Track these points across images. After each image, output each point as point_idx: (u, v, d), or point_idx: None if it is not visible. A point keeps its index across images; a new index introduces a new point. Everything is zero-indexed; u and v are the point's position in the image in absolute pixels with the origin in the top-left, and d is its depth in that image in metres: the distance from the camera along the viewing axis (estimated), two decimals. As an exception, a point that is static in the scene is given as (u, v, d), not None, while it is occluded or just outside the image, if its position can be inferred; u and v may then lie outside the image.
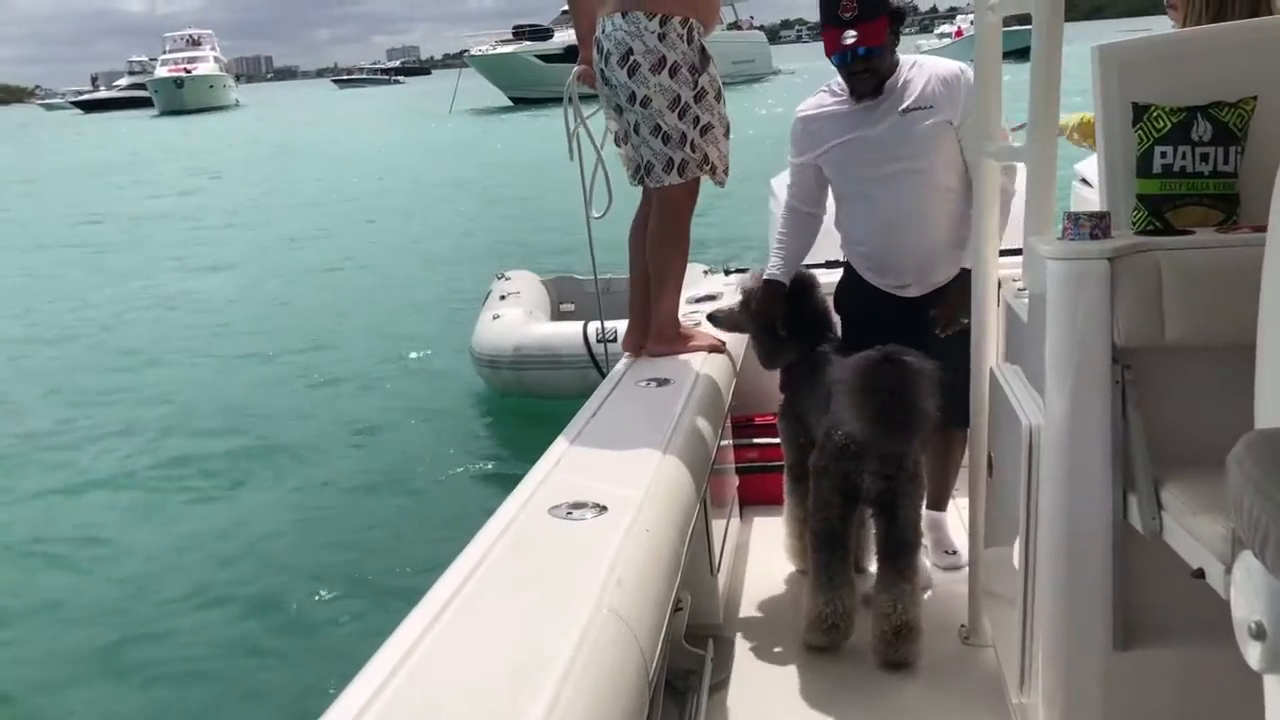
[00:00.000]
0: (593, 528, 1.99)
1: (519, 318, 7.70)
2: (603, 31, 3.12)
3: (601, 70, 3.16)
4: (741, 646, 3.11)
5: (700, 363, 3.24)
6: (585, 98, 3.36)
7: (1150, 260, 2.07)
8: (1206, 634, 1.98)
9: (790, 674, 2.88)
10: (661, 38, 3.01)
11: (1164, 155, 2.24)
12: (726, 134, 3.21)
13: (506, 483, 7.02)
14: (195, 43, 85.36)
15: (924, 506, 3.05)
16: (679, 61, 3.04)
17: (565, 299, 8.56)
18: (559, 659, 1.48)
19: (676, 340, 3.34)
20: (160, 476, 7.27)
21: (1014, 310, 2.58)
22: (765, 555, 3.69)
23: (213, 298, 13.35)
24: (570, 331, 7.36)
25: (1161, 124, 2.23)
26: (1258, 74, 2.24)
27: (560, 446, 2.50)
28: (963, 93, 3.06)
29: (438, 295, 12.27)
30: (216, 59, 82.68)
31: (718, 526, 3.28)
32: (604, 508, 2.06)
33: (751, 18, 60.72)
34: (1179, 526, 1.92)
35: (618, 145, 3.33)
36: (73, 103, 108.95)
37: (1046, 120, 2.40)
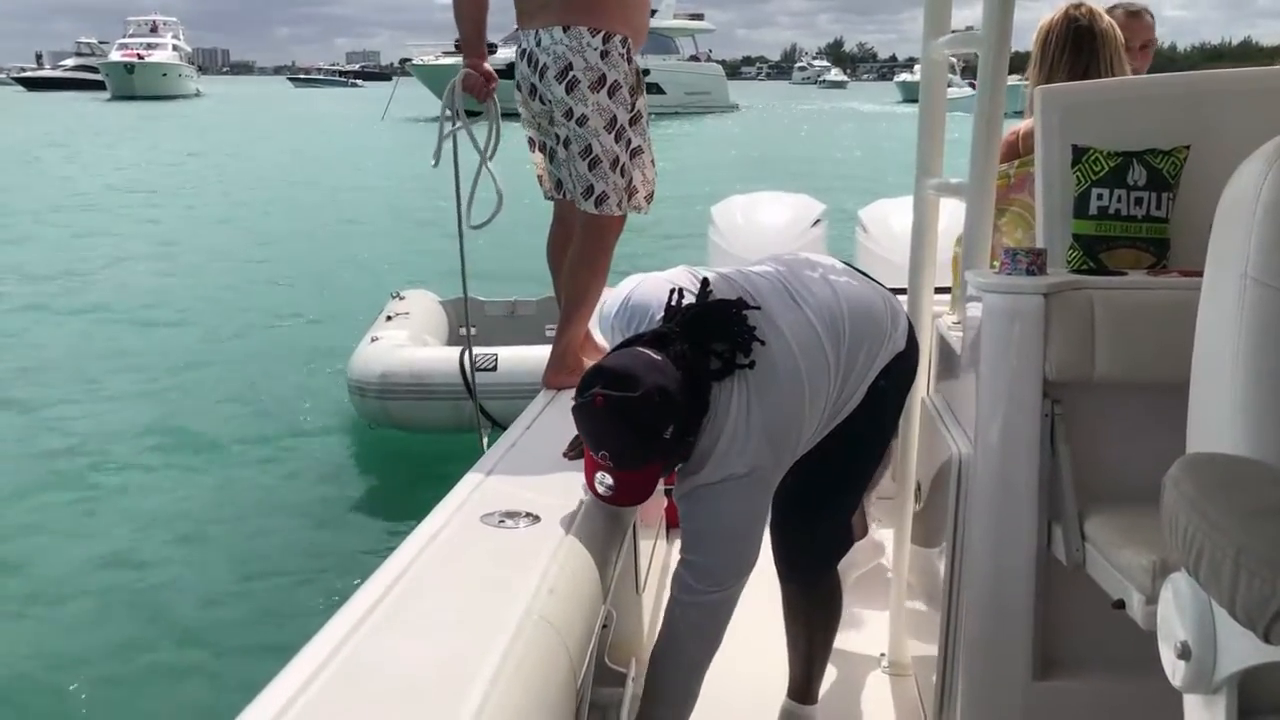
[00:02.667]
0: (525, 536, 1.97)
1: (397, 341, 7.00)
2: (537, 44, 3.00)
3: (532, 84, 3.05)
4: None
5: None
6: (471, 113, 3.22)
7: (1084, 298, 2.12)
8: (1123, 665, 2.02)
9: (711, 699, 2.87)
10: (604, 55, 2.94)
11: (1100, 197, 2.30)
12: (651, 160, 3.15)
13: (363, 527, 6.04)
14: (155, 29, 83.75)
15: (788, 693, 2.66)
16: (619, 81, 2.97)
17: (467, 322, 8.02)
18: (488, 664, 1.46)
19: (576, 371, 3.11)
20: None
21: (947, 342, 2.62)
22: None
23: (89, 297, 12.32)
24: (444, 357, 6.67)
25: (1099, 167, 2.30)
26: (1192, 124, 2.31)
27: (494, 456, 2.48)
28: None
29: (337, 310, 11.27)
30: (176, 47, 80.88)
31: (645, 547, 3.27)
32: (537, 517, 2.04)
33: (710, 51, 61.20)
34: (1101, 558, 1.96)
35: (540, 161, 3.24)
36: (15, 79, 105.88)
37: (987, 157, 2.45)
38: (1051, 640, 2.21)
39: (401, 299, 7.80)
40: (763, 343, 2.08)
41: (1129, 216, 2.29)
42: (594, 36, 2.93)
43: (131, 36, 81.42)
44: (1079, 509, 2.07)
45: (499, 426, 6.08)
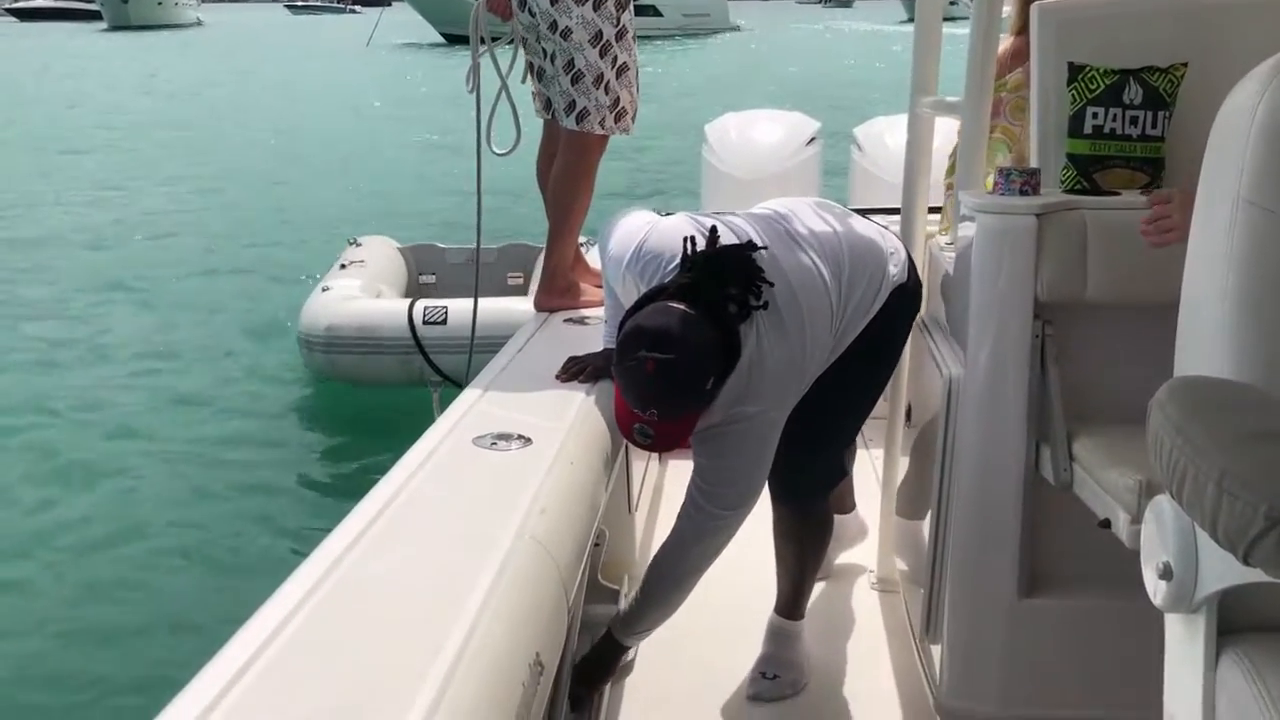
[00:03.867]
0: (517, 458, 1.98)
1: (348, 291, 6.70)
2: None
3: None
4: None
5: None
6: (494, 37, 3.17)
7: (1077, 219, 2.11)
8: (1108, 584, 2.05)
9: (701, 615, 2.92)
10: None
11: (1095, 116, 2.27)
12: (636, 79, 3.10)
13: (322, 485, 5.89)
14: None
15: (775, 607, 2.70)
16: None
17: (425, 270, 7.59)
18: (480, 583, 1.48)
19: (568, 292, 3.18)
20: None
21: (939, 262, 2.62)
22: (681, 499, 3.71)
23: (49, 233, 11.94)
24: (393, 310, 6.37)
25: (1095, 85, 2.27)
26: (1191, 41, 2.28)
27: (485, 379, 2.48)
28: None
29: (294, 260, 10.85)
30: None
31: (638, 467, 3.30)
32: (528, 439, 2.06)
33: None
34: (1089, 478, 1.98)
35: (531, 81, 3.20)
36: (7, 10, 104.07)
37: (983, 74, 2.42)
38: (1037, 559, 2.24)
39: (358, 246, 7.50)
40: (770, 284, 2.12)
41: (1124, 136, 2.27)
42: None
43: None
44: (1067, 430, 2.09)
45: (450, 382, 5.98)
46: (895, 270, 2.36)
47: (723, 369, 2.08)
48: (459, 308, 6.28)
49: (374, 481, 1.87)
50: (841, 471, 2.62)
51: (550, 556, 1.66)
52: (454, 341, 6.07)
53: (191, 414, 7.06)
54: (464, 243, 8.00)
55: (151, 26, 68.18)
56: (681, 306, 2.03)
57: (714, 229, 2.17)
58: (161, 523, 5.53)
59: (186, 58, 41.99)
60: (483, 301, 6.13)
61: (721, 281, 2.07)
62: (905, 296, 2.39)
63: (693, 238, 2.14)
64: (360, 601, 1.44)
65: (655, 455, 3.86)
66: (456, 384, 5.57)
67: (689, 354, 1.99)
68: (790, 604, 2.67)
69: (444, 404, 2.60)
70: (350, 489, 5.68)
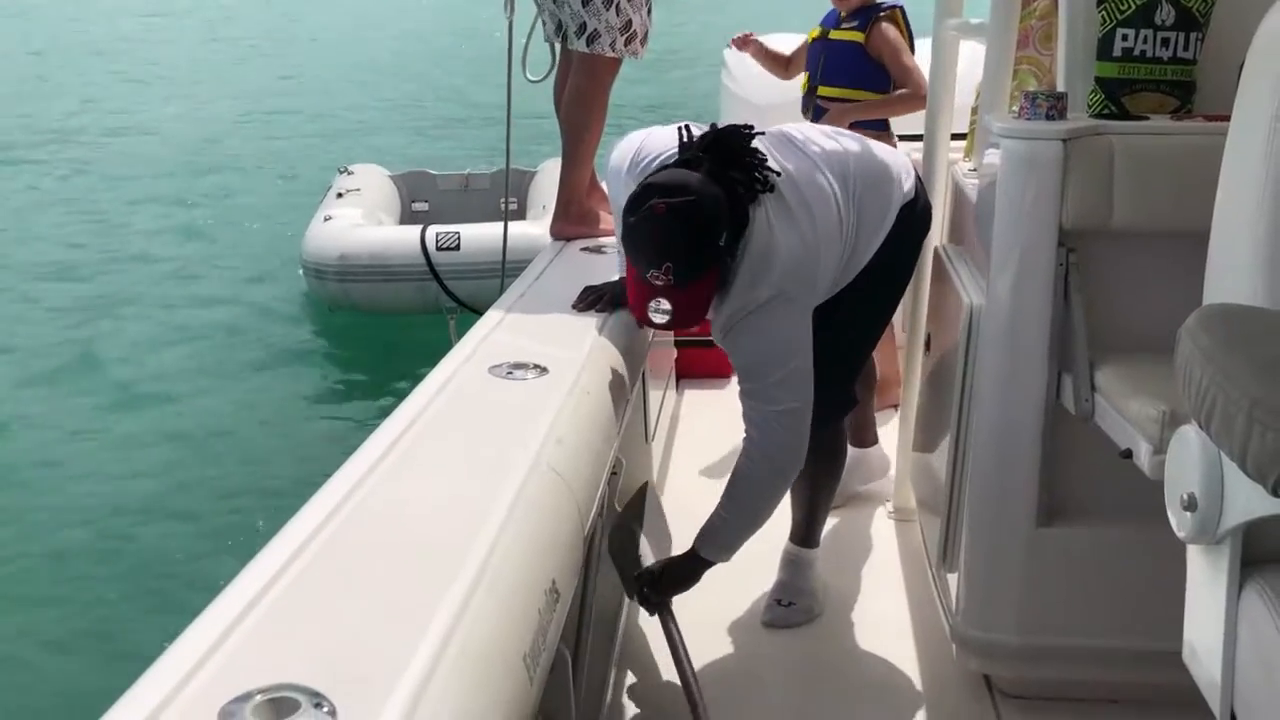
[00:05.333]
0: (533, 387, 1.97)
1: (353, 219, 6.71)
2: None
3: None
4: (674, 513, 3.14)
5: None
6: None
7: (1104, 144, 2.06)
8: (1127, 514, 2.04)
9: None
10: None
11: (1125, 38, 2.21)
12: (647, 1, 3.05)
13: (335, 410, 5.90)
14: None
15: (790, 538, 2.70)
16: None
17: (418, 197, 7.62)
18: (496, 511, 1.47)
19: (584, 219, 3.14)
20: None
21: (962, 190, 2.57)
22: (699, 427, 3.72)
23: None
24: (406, 238, 6.38)
25: (1125, 6, 2.20)
26: None
27: (501, 309, 2.47)
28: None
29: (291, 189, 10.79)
30: None
31: (655, 396, 3.29)
32: (544, 369, 2.04)
33: None
34: (1111, 408, 1.96)
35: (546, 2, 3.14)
36: None
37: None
38: (1056, 489, 2.23)
39: (350, 174, 7.48)
40: (777, 173, 2.13)
41: (1155, 58, 2.21)
42: None
43: None
44: (1090, 359, 2.06)
45: (466, 308, 5.97)
46: (906, 190, 2.36)
47: (734, 232, 2.07)
48: (471, 233, 6.29)
49: (389, 410, 1.87)
50: (852, 399, 2.58)
51: (566, 485, 1.65)
52: (468, 267, 6.11)
53: (197, 348, 7.05)
54: (454, 169, 7.98)
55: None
56: (685, 169, 2.07)
57: (713, 125, 2.18)
58: (177, 455, 5.60)
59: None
60: (486, 226, 6.05)
61: (725, 162, 2.08)
62: (914, 216, 2.38)
63: (688, 126, 2.16)
64: (376, 528, 1.44)
65: (672, 385, 3.86)
66: (472, 309, 5.58)
67: (700, 199, 2.00)
68: (804, 532, 2.67)
69: (460, 330, 2.59)
70: (365, 417, 5.75)
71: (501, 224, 3.82)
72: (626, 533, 2.44)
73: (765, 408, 2.22)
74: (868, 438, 3.14)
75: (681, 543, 2.78)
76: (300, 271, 6.91)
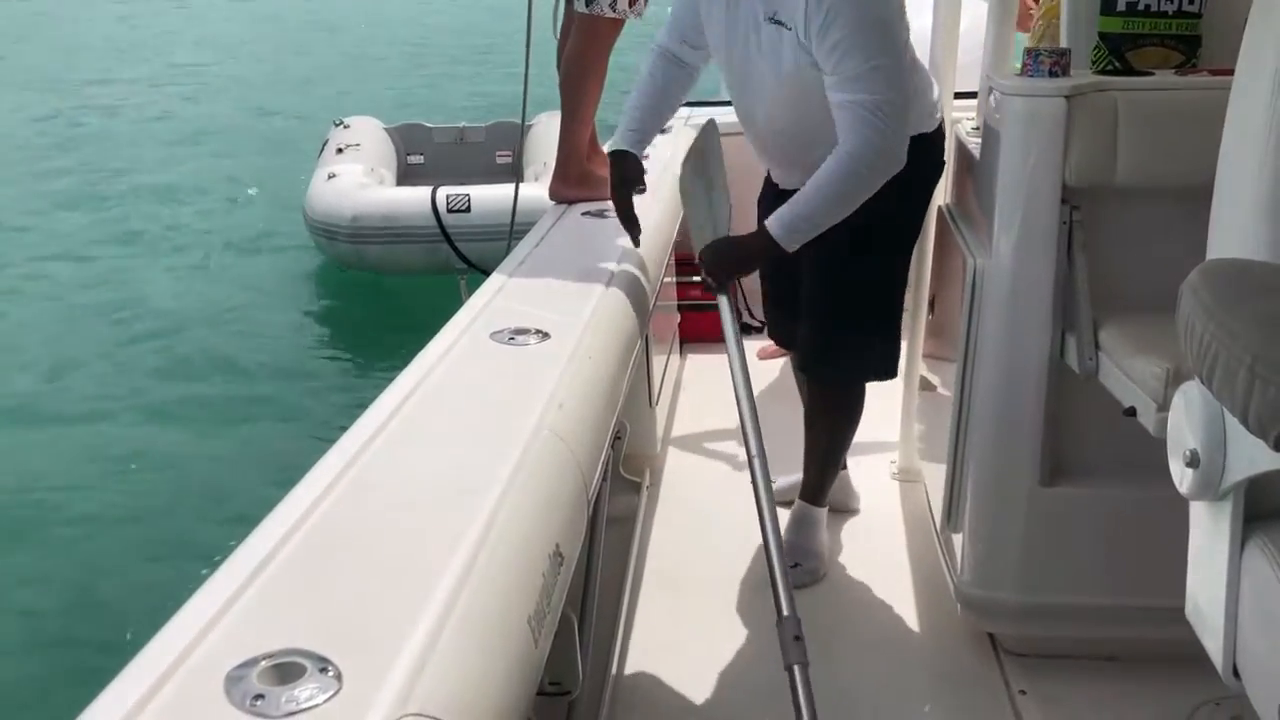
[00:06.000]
0: (535, 352, 1.97)
1: (357, 177, 6.75)
2: None
3: None
4: (678, 477, 3.16)
5: (647, 195, 3.17)
6: None
7: (1108, 100, 2.05)
8: (1130, 473, 2.04)
9: (724, 504, 2.94)
10: None
11: (1129, -8, 2.19)
12: None
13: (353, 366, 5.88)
14: None
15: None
16: None
17: (413, 150, 7.66)
18: (499, 476, 1.47)
19: (584, 181, 3.10)
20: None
21: (965, 149, 2.55)
22: (703, 391, 3.72)
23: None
24: (416, 199, 6.44)
25: (1129, -41, 2.18)
26: None
27: (502, 275, 2.46)
28: None
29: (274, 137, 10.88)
30: None
31: (658, 361, 3.29)
32: (546, 334, 2.04)
33: None
34: (1115, 367, 1.95)
35: None
36: None
37: None
38: (1060, 448, 2.23)
39: (346, 128, 7.49)
40: None
41: (1159, 12, 2.19)
42: None
43: None
44: (1094, 317, 2.05)
45: (476, 269, 6.01)
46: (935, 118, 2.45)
47: None
48: (481, 194, 6.34)
49: (395, 369, 1.87)
50: (885, 362, 2.56)
51: (569, 450, 1.65)
52: (478, 228, 6.16)
53: (205, 306, 7.06)
54: (449, 122, 7.98)
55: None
56: None
57: None
58: (183, 418, 5.63)
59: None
60: (497, 188, 6.00)
61: None
62: (934, 150, 2.45)
63: None
64: (378, 495, 1.44)
65: (675, 349, 3.85)
66: (482, 271, 5.61)
67: None
68: (815, 489, 2.70)
69: (471, 290, 2.59)
70: (373, 375, 5.78)
71: (511, 186, 3.83)
72: (699, 178, 2.47)
73: (861, 97, 2.17)
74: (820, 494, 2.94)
75: (682, 524, 2.79)
76: (307, 230, 6.94)
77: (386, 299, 6.82)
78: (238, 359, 6.31)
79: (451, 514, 1.37)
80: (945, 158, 2.61)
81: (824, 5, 2.17)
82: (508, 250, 2.73)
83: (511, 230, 3.29)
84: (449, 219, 6.28)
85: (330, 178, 6.75)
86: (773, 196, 2.55)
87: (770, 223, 2.28)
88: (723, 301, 2.34)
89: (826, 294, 2.49)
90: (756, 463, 2.05)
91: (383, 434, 1.60)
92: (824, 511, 2.72)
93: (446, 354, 1.94)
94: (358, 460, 1.51)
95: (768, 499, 2.00)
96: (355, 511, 1.39)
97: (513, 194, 3.57)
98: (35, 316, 6.95)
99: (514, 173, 3.50)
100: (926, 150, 2.41)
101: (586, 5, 2.95)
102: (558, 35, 3.19)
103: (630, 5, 2.97)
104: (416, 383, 1.80)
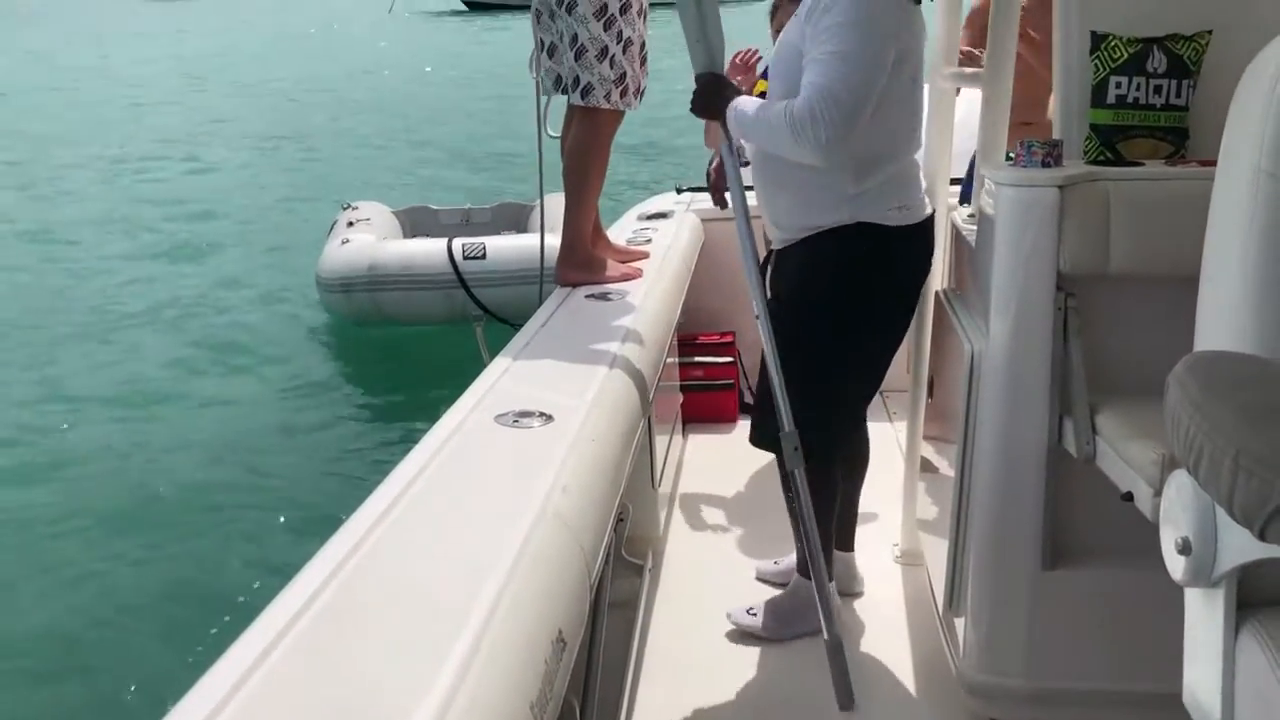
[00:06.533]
0: (539, 435, 1.99)
1: (372, 240, 6.97)
2: None
3: None
4: (681, 559, 3.16)
5: (650, 278, 3.23)
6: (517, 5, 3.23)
7: (1100, 190, 2.10)
8: (1130, 556, 2.05)
9: (726, 587, 2.94)
10: None
11: (1119, 86, 2.25)
12: (641, 53, 3.09)
13: (371, 422, 6.03)
14: None
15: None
16: None
17: (420, 232, 7.81)
18: (502, 561, 1.49)
19: (588, 266, 3.18)
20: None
21: (961, 235, 2.60)
22: (705, 472, 3.73)
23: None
24: (433, 249, 6.63)
25: (1118, 54, 2.24)
26: (1214, 8, 2.25)
27: (507, 356, 2.50)
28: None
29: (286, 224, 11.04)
30: None
31: (660, 441, 3.31)
32: (550, 417, 2.07)
33: None
34: (1111, 451, 1.97)
35: (541, 59, 3.17)
36: None
37: (1004, 48, 2.40)
38: (1061, 531, 2.24)
39: (355, 209, 7.72)
40: None
41: (1148, 105, 2.25)
42: None
43: None
44: (1090, 403, 2.08)
45: (492, 316, 6.11)
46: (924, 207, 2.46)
47: None
48: (495, 244, 6.53)
49: (410, 428, 1.90)
50: (811, 437, 2.47)
51: (572, 534, 1.67)
52: (494, 274, 6.31)
53: (218, 374, 7.15)
54: (454, 204, 8.20)
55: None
56: None
57: None
58: (204, 480, 5.65)
59: (217, 21, 42.30)
60: (510, 238, 6.16)
61: None
62: (876, 242, 2.42)
63: None
64: (384, 579, 1.46)
65: (678, 430, 3.88)
66: (498, 318, 5.70)
67: None
68: (801, 560, 2.73)
69: (487, 338, 2.61)
70: (393, 433, 5.84)
71: (525, 233, 3.87)
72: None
73: (817, 80, 2.26)
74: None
75: (685, 607, 2.81)
76: (318, 294, 7.10)
77: (401, 357, 6.95)
78: (250, 423, 6.40)
79: (456, 599, 1.38)
80: (943, 245, 2.67)
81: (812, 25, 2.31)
82: (539, 298, 2.82)
83: (541, 281, 3.37)
84: (465, 265, 6.44)
85: (345, 243, 6.97)
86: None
87: (734, 102, 2.46)
88: (723, 148, 2.56)
89: (771, 355, 2.46)
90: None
91: (389, 517, 1.62)
92: (808, 584, 2.65)
93: (452, 436, 1.97)
94: (363, 543, 1.53)
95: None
96: (360, 596, 1.41)
97: (527, 240, 3.62)
98: (37, 392, 6.99)
99: (539, 227, 3.56)
100: (875, 240, 2.41)
101: (583, 97, 3.03)
102: (549, 131, 3.25)
103: (622, 96, 3.05)
104: (422, 465, 1.82)
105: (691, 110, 2.57)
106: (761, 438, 2.62)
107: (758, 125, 2.39)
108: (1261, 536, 0.97)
